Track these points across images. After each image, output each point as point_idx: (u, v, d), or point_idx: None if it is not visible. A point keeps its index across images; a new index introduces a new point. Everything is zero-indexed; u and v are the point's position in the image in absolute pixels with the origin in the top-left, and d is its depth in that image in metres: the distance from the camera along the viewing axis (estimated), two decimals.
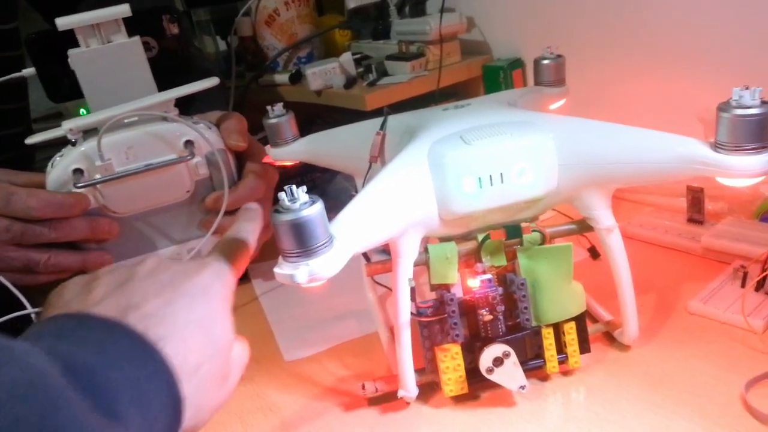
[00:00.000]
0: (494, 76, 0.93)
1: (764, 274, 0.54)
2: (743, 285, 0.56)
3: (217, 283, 0.37)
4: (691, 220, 0.67)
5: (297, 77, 0.98)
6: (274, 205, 0.38)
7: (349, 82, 0.91)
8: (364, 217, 0.42)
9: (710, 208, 0.68)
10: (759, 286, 0.54)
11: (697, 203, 0.66)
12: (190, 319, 0.33)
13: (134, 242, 0.60)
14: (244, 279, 0.75)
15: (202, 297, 0.35)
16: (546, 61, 0.60)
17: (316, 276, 0.37)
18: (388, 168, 0.45)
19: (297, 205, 0.37)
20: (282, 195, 0.37)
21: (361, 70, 0.93)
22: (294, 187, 0.37)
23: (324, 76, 0.92)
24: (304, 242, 0.37)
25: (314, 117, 1.03)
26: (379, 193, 0.43)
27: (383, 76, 0.92)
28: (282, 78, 0.99)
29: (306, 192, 0.37)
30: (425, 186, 0.44)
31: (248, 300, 0.71)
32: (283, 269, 0.38)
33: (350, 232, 0.40)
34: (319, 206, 0.37)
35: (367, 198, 0.43)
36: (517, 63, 0.93)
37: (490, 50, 0.98)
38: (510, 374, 0.46)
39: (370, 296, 0.62)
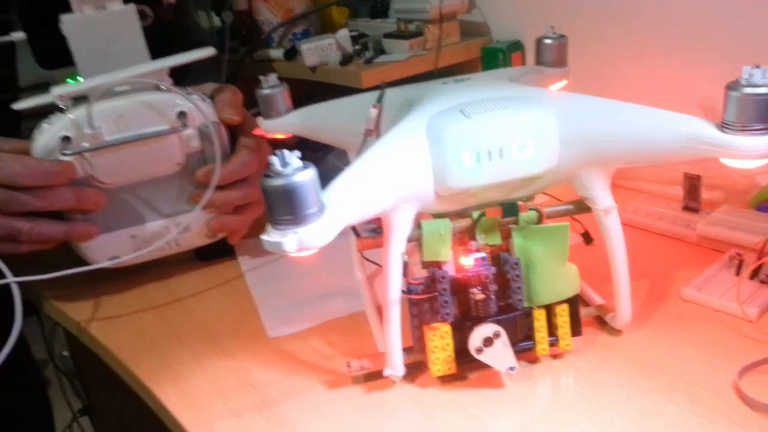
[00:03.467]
0: (493, 58, 0.92)
1: (761, 261, 0.53)
2: (738, 273, 0.55)
3: None
4: (686, 208, 0.67)
5: (292, 53, 0.96)
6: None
7: (345, 59, 0.89)
8: (358, 188, 0.41)
9: (706, 196, 0.67)
10: (754, 275, 0.54)
11: (693, 191, 0.66)
12: None
13: (121, 214, 0.59)
14: (230, 255, 0.73)
15: None
16: (548, 41, 0.59)
17: (305, 245, 0.36)
18: (385, 138, 0.44)
19: (289, 169, 0.35)
20: (274, 159, 0.36)
21: (357, 47, 0.91)
22: (286, 151, 0.36)
23: (320, 52, 0.90)
24: (294, 209, 0.35)
25: (309, 94, 1.01)
26: (374, 164, 0.42)
27: (380, 54, 0.90)
28: (277, 53, 0.97)
29: (299, 158, 0.36)
30: (422, 159, 0.43)
31: (233, 277, 0.69)
32: (271, 237, 0.36)
33: (343, 202, 0.38)
34: (311, 172, 0.36)
35: (362, 168, 0.42)
36: (517, 45, 0.91)
37: (489, 32, 0.96)
38: (499, 355, 0.45)
39: (359, 274, 0.61)
